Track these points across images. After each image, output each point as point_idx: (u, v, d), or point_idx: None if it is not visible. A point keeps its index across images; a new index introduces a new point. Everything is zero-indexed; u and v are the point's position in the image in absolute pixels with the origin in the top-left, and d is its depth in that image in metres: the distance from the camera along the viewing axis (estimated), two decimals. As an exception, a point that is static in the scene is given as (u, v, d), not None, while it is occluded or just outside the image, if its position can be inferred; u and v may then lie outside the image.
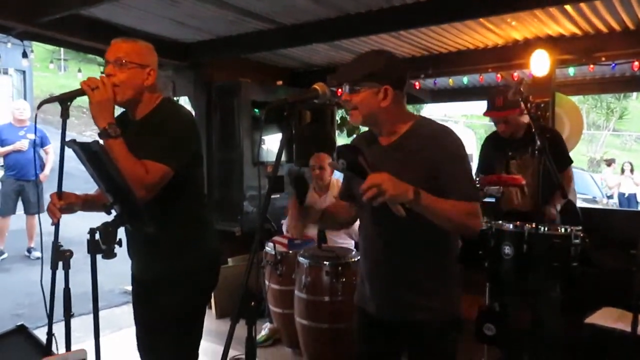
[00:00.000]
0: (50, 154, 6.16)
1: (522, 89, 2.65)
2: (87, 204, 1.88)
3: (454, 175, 1.63)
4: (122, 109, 2.00)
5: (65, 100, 1.68)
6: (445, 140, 1.67)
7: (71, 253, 1.68)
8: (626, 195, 10.95)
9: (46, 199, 1.83)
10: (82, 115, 14.47)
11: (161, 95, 1.99)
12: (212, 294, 4.38)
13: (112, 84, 1.79)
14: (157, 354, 2.05)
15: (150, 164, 1.75)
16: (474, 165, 3.00)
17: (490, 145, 3.30)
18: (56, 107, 1.67)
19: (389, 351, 1.84)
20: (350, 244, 3.85)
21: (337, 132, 5.70)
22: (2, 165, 6.50)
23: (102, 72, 1.90)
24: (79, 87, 1.79)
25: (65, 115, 1.66)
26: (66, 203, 1.74)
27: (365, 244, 1.84)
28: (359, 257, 2.40)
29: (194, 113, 4.62)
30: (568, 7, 3.17)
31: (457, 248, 1.86)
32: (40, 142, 5.98)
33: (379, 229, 1.74)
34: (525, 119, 3.03)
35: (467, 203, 1.62)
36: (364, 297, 1.84)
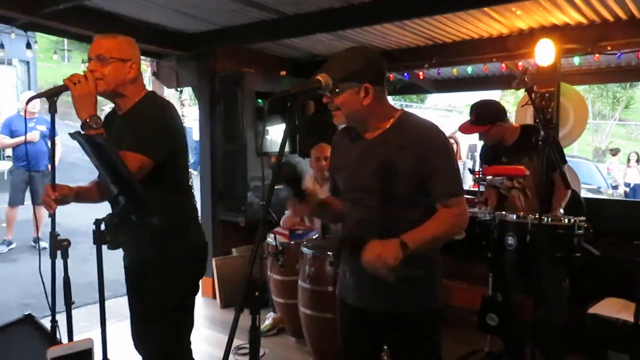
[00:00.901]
0: (58, 145, 6.17)
1: (526, 79, 2.64)
2: (79, 195, 1.92)
3: (440, 168, 1.64)
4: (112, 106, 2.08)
5: (51, 95, 1.77)
6: (429, 134, 1.68)
7: (69, 242, 1.73)
8: (632, 186, 10.90)
9: None
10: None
11: (146, 90, 2.06)
12: (216, 285, 4.42)
13: (94, 78, 1.86)
14: (149, 341, 2.09)
15: (129, 155, 1.80)
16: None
17: (486, 152, 3.30)
18: (59, 99, 1.73)
19: (372, 342, 1.85)
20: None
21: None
22: (8, 156, 6.53)
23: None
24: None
25: (53, 109, 1.75)
26: (60, 194, 1.78)
27: (348, 235, 1.84)
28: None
29: (197, 104, 4.63)
30: (574, -4, 3.14)
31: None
32: (48, 134, 6.00)
33: (363, 221, 1.74)
34: (522, 115, 3.03)
35: (453, 201, 1.64)
36: (346, 288, 1.84)
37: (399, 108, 1.78)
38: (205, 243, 2.20)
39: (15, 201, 6.02)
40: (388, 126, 1.71)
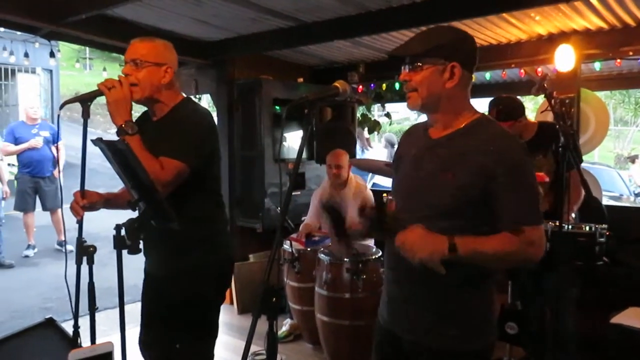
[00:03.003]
0: (62, 150, 6.21)
1: (545, 84, 2.62)
2: (109, 202, 1.93)
3: (513, 188, 1.35)
4: (144, 109, 2.06)
5: (85, 100, 1.74)
6: (506, 144, 1.40)
7: (94, 248, 1.73)
8: (655, 193, 10.65)
9: (65, 196, 1.89)
10: (107, 114, 14.73)
11: (182, 95, 2.03)
12: (233, 291, 4.44)
13: (129, 83, 1.84)
14: (168, 349, 2.05)
15: (166, 161, 1.79)
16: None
17: None
18: (74, 105, 1.74)
19: None
20: (370, 241, 3.85)
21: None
22: (10, 164, 6.62)
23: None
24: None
25: (86, 115, 1.72)
26: (89, 202, 1.79)
27: (388, 256, 1.64)
28: (379, 254, 2.38)
29: (216, 111, 4.67)
30: (594, 1, 3.10)
31: (495, 271, 1.56)
32: (52, 139, 6.05)
33: None
34: (542, 118, 3.00)
35: (526, 230, 1.35)
36: (382, 309, 1.67)
37: (481, 112, 1.53)
38: (233, 250, 2.18)
39: (24, 207, 6.07)
40: (460, 126, 1.46)
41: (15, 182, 6.29)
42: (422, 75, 1.41)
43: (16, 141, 5.98)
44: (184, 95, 2.07)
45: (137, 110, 1.96)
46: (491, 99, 3.12)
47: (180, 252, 1.97)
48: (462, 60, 1.41)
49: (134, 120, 1.83)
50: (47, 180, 6.02)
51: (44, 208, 6.01)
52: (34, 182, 5.99)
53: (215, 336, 2.14)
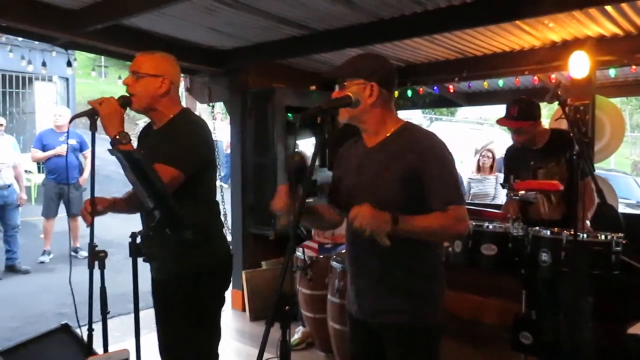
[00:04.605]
0: (89, 159, 6.36)
1: (559, 91, 2.60)
2: (116, 205, 2.04)
3: (438, 177, 1.64)
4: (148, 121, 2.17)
5: (91, 115, 1.90)
6: (428, 143, 1.69)
7: (105, 254, 1.81)
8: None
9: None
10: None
11: (181, 106, 2.14)
12: (245, 298, 4.44)
13: (128, 93, 2.00)
14: (176, 354, 2.12)
15: (161, 167, 1.87)
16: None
17: (513, 155, 3.23)
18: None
19: (375, 353, 1.83)
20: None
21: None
22: (27, 171, 6.72)
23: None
24: (122, 93, 2.02)
25: (93, 128, 1.87)
26: (102, 207, 1.93)
27: (349, 247, 1.85)
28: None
29: (228, 118, 4.70)
30: (608, 7, 3.08)
31: (441, 248, 1.85)
32: (79, 147, 6.17)
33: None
34: (555, 125, 2.98)
35: (452, 208, 1.62)
36: (349, 299, 1.86)
37: (405, 120, 1.81)
38: (230, 256, 2.23)
39: (48, 213, 6.20)
40: (389, 134, 1.74)
41: (42, 187, 6.42)
42: (349, 92, 1.69)
43: (44, 148, 6.12)
44: (184, 106, 2.17)
45: (142, 119, 2.03)
46: (504, 105, 3.10)
47: (177, 256, 2.04)
48: (379, 81, 1.69)
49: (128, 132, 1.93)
50: (72, 187, 6.15)
51: (69, 214, 6.11)
52: (59, 188, 6.10)
53: (219, 339, 2.19)
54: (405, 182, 1.64)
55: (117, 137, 1.86)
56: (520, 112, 2.94)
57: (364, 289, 1.77)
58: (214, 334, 2.17)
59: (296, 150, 1.58)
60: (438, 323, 1.76)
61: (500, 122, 3.11)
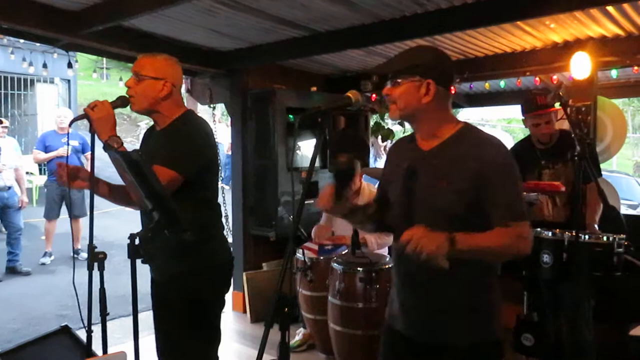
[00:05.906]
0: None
1: (561, 92, 2.59)
2: (98, 184, 2.06)
3: (502, 189, 1.49)
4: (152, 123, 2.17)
5: (80, 120, 1.96)
6: (492, 150, 1.53)
7: (105, 255, 1.80)
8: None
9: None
10: (123, 122, 14.95)
11: (184, 108, 2.13)
12: (246, 299, 4.44)
13: (128, 95, 2.01)
14: (175, 356, 2.11)
15: (160, 169, 1.86)
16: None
17: (520, 154, 3.21)
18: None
19: None
20: (384, 250, 3.83)
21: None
22: (29, 172, 6.70)
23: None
24: (121, 94, 2.03)
25: (93, 130, 1.90)
26: (81, 175, 2.01)
27: (397, 259, 1.72)
28: (392, 264, 2.33)
29: (230, 119, 4.70)
30: (610, 8, 3.07)
31: (498, 264, 1.68)
32: (81, 149, 6.18)
33: None
34: (558, 126, 2.96)
35: (514, 224, 1.48)
36: (393, 313, 1.73)
37: (463, 121, 1.65)
38: (231, 258, 2.22)
39: (50, 215, 6.20)
40: (447, 137, 1.58)
41: (44, 189, 6.41)
42: (401, 89, 1.55)
43: (46, 149, 6.14)
44: (187, 107, 2.16)
45: (144, 121, 2.03)
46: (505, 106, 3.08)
47: (176, 257, 2.03)
48: (437, 79, 1.53)
49: (142, 131, 1.92)
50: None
51: (71, 215, 6.11)
52: (61, 189, 6.10)
53: (218, 341, 2.17)
54: (463, 193, 1.49)
55: (109, 140, 1.87)
56: (548, 99, 2.91)
57: (413, 305, 1.62)
58: (214, 336, 2.16)
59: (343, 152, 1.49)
60: (498, 339, 1.60)
61: (532, 114, 2.97)
